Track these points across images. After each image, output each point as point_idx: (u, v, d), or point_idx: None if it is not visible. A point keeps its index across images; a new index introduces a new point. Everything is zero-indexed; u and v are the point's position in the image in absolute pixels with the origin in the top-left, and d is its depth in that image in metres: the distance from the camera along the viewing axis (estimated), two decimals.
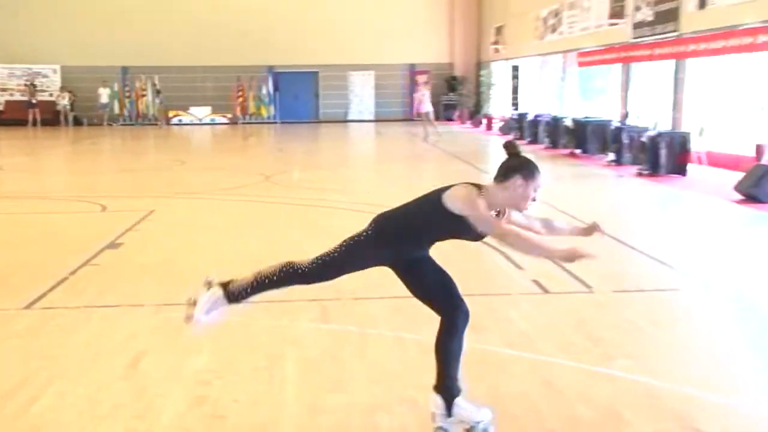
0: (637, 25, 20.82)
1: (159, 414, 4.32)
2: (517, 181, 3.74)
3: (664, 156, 15.32)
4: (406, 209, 3.91)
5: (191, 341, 5.51)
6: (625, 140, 17.45)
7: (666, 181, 14.67)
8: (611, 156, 17.72)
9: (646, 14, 20.33)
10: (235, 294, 3.96)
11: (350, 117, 37.37)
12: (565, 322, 5.96)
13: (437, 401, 3.99)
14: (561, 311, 6.26)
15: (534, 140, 23.67)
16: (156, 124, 35.32)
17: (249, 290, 3.95)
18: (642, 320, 6.04)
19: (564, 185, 14.84)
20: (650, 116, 20.36)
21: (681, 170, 15.33)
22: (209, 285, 3.99)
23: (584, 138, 19.72)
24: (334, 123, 36.19)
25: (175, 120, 36.00)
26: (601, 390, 4.57)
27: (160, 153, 23.81)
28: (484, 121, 31.96)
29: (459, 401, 3.97)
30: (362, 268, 4.03)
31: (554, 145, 21.73)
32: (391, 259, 3.99)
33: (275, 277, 3.92)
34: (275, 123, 36.17)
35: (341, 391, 4.62)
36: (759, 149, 14.62)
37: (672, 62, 19.43)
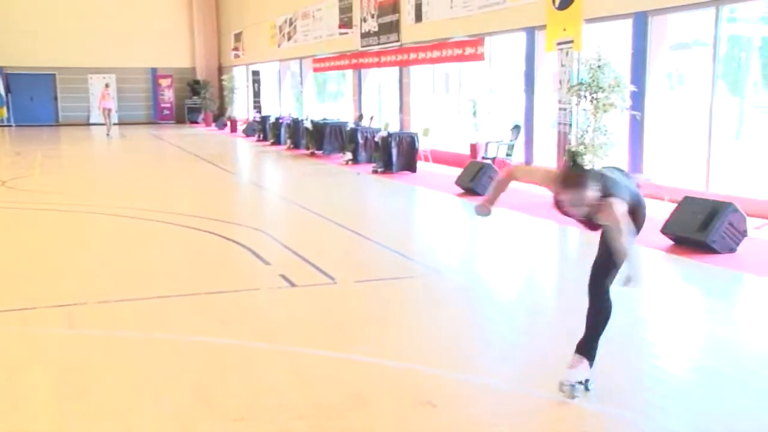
0: (365, 35, 21.59)
1: None
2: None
3: (395, 155, 15.98)
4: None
5: None
6: (360, 140, 18.00)
7: (398, 178, 15.30)
8: (348, 155, 18.19)
9: (372, 25, 21.12)
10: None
11: (93, 120, 35.32)
12: (311, 313, 6.01)
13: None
14: (307, 303, 6.31)
15: (277, 141, 23.77)
16: None
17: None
18: (382, 307, 6.24)
19: (308, 183, 15.03)
20: (382, 118, 21.17)
21: (411, 167, 16.07)
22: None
23: (323, 139, 20.11)
24: (75, 126, 34.03)
25: None
26: (346, 375, 4.65)
27: None
28: (229, 123, 31.59)
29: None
30: None
31: (296, 145, 21.96)
32: None
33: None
34: (10, 126, 33.31)
35: (89, 397, 4.32)
36: (473, 148, 15.70)
37: (397, 69, 20.32)
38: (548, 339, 5.51)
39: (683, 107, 12.61)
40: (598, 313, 4.35)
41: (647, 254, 8.20)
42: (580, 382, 4.33)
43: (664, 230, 8.36)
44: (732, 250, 7.89)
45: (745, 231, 7.97)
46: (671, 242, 8.34)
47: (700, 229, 8.00)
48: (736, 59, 24.88)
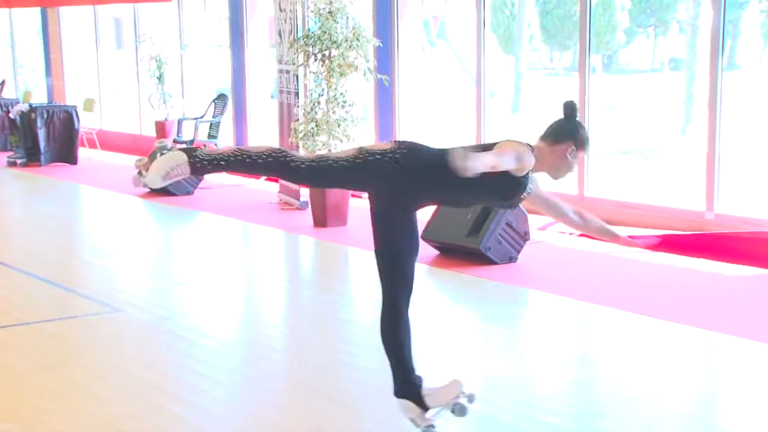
0: None
1: None
2: (569, 147, 4.49)
3: (44, 138, 15.49)
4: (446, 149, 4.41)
5: None
6: None
7: (51, 173, 14.84)
8: None
9: None
10: (203, 163, 4.46)
11: None
12: None
13: (406, 405, 4.64)
14: None
15: None
16: None
17: (222, 162, 4.44)
18: (24, 364, 6.07)
19: None
20: (19, 83, 20.44)
21: (69, 157, 15.64)
22: (164, 150, 4.58)
23: None
24: None
25: None
26: None
27: None
28: None
29: (425, 390, 4.63)
30: (363, 190, 4.75)
31: None
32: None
33: (259, 159, 4.42)
34: None
35: None
36: (161, 127, 15.62)
37: (38, 11, 19.69)
38: (273, 392, 5.66)
39: (447, 68, 13.40)
40: (403, 333, 4.66)
41: None
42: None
43: (426, 235, 8.86)
44: (512, 258, 8.54)
45: (527, 233, 8.66)
46: (435, 251, 8.85)
47: (471, 232, 8.56)
48: (509, 5, 26.86)
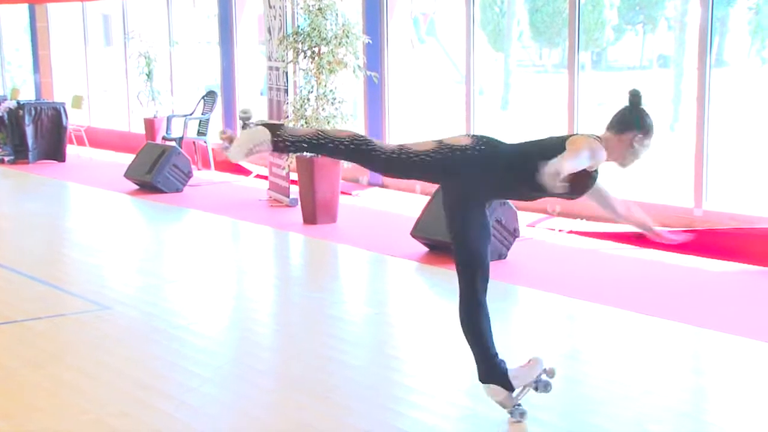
0: None
1: None
2: (636, 135, 4.63)
3: (32, 135, 15.45)
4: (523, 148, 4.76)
5: None
6: None
7: (39, 170, 14.80)
8: None
9: None
10: (286, 143, 4.62)
11: None
12: None
13: (494, 389, 4.86)
14: None
15: None
16: None
17: (304, 144, 4.63)
18: (13, 362, 6.07)
19: None
20: (6, 80, 20.38)
21: (58, 154, 15.61)
22: (247, 120, 4.71)
23: None
24: None
25: None
26: None
27: None
28: None
29: (510, 372, 4.86)
30: (437, 182, 5.07)
31: None
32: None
33: (341, 145, 4.59)
34: None
35: None
36: (150, 124, 15.58)
37: (26, 8, 19.63)
38: (263, 389, 5.66)
39: (436, 65, 13.39)
40: (484, 321, 4.85)
41: (395, 264, 8.66)
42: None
43: (415, 233, 8.86)
44: (502, 255, 8.51)
45: (517, 230, 8.66)
46: (425, 248, 8.85)
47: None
48: (498, 2, 26.82)
